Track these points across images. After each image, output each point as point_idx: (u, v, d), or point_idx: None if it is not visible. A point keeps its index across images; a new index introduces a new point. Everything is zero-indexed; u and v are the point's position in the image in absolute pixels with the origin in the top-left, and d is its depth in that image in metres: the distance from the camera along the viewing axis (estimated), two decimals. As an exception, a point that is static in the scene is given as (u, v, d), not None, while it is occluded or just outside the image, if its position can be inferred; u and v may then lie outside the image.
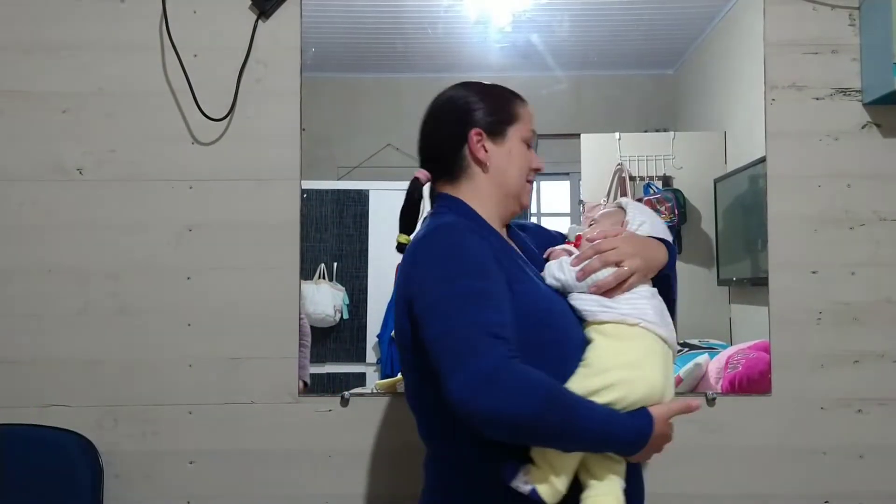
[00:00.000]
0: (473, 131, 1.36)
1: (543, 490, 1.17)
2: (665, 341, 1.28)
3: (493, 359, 1.12)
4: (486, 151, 1.36)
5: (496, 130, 1.37)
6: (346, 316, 1.95)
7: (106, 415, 1.85)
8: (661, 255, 1.35)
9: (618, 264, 1.29)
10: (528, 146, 1.40)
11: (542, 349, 1.22)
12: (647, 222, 1.41)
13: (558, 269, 1.33)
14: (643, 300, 1.29)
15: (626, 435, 1.19)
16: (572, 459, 1.20)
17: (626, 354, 1.23)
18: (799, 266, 1.90)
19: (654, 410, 1.21)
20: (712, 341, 1.95)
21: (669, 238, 1.41)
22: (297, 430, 1.86)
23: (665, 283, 1.38)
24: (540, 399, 1.12)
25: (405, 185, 1.44)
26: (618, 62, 2.14)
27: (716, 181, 2.04)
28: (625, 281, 1.29)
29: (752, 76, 1.94)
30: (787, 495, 1.87)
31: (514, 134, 1.38)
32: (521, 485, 1.19)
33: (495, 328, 1.15)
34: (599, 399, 1.18)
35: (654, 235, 1.39)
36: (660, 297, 1.34)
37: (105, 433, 1.84)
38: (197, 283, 1.87)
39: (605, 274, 1.29)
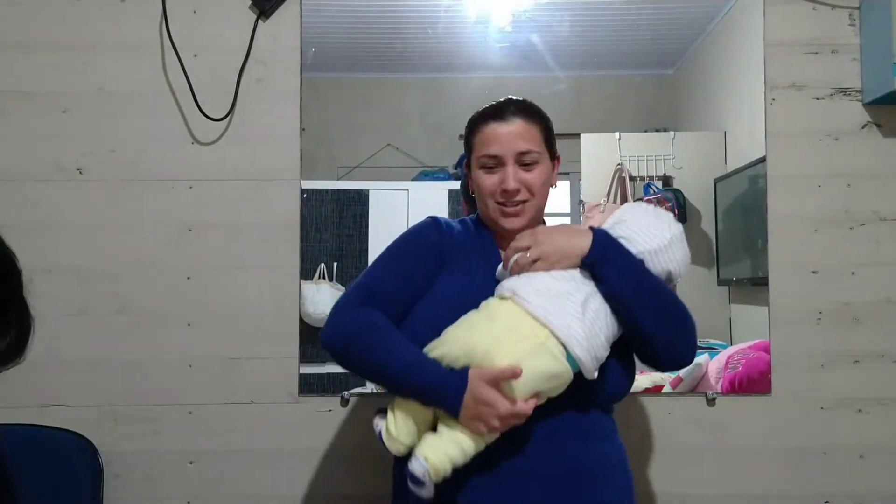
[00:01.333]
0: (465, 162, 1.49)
1: (385, 434, 1.28)
2: (538, 319, 1.25)
3: (343, 299, 1.37)
4: (471, 178, 1.46)
5: (468, 161, 1.47)
6: (346, 316, 1.95)
7: (106, 415, 1.85)
8: (582, 242, 1.32)
9: (528, 251, 1.34)
10: (491, 168, 1.40)
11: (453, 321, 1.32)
12: (624, 221, 1.38)
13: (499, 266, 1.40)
14: (528, 278, 1.31)
15: (434, 384, 1.24)
16: (417, 413, 1.26)
17: (469, 319, 1.29)
18: (799, 266, 1.90)
19: (472, 371, 1.23)
20: (712, 341, 1.95)
21: (648, 240, 1.35)
22: (297, 430, 1.86)
23: (595, 273, 1.33)
24: (348, 333, 1.31)
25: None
26: (618, 62, 2.14)
27: (716, 181, 2.04)
28: (534, 263, 1.32)
29: (752, 76, 1.94)
30: (788, 495, 1.86)
31: (474, 163, 1.44)
32: (375, 427, 1.31)
33: (370, 281, 1.39)
34: (432, 353, 1.27)
35: (614, 231, 1.37)
36: (572, 284, 1.30)
37: (105, 433, 1.84)
38: (197, 283, 1.87)
39: (513, 259, 1.34)
